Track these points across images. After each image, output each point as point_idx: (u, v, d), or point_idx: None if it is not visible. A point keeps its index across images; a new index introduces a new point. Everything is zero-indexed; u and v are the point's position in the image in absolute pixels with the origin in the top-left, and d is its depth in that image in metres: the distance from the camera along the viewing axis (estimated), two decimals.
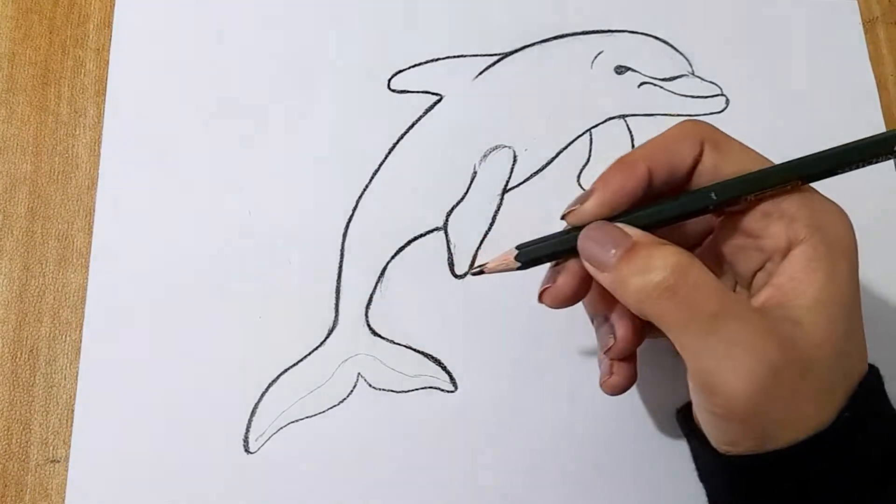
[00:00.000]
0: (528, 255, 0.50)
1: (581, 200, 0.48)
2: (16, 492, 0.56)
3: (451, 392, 0.59)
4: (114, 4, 0.66)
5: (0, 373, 0.58)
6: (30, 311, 0.59)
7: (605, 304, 0.51)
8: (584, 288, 0.50)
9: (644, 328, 0.51)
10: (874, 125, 0.66)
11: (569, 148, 0.64)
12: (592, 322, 0.54)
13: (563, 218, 0.49)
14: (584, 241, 0.47)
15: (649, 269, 0.43)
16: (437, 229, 0.62)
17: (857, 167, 0.47)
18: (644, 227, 0.46)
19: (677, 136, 0.48)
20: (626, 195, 0.46)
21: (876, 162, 0.47)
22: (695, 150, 0.47)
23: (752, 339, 0.42)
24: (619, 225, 0.46)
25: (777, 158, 0.64)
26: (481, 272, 0.52)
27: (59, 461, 0.56)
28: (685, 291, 0.43)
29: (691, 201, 0.47)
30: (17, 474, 0.56)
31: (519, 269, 0.50)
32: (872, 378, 0.46)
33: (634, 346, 0.51)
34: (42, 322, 0.59)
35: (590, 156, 0.64)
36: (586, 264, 0.47)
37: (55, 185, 0.62)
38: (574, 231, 0.48)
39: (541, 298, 0.50)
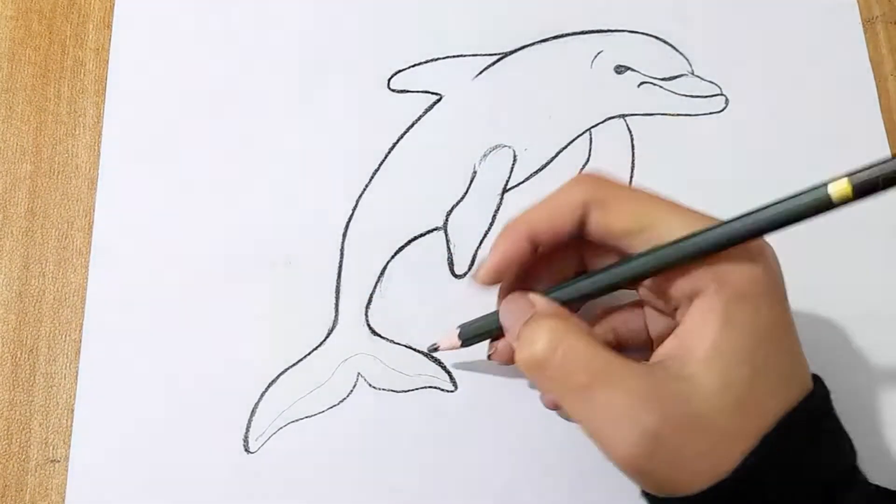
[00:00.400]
0: (468, 335, 0.54)
1: (480, 271, 0.50)
2: (16, 492, 0.56)
3: (452, 392, 0.59)
4: (114, 4, 0.66)
5: (0, 373, 0.58)
6: (30, 311, 0.59)
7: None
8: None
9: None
10: (873, 125, 0.66)
11: (569, 147, 0.64)
12: None
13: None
14: (502, 311, 0.51)
15: (531, 342, 0.45)
16: (436, 229, 0.62)
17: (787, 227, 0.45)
18: (568, 300, 0.49)
19: (559, 201, 0.49)
20: (510, 260, 0.49)
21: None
22: (575, 214, 0.47)
23: (627, 406, 0.42)
24: (531, 296, 0.49)
25: (774, 160, 0.65)
26: (436, 349, 0.57)
27: (59, 461, 0.56)
28: (555, 364, 0.44)
29: (604, 278, 0.48)
30: (17, 474, 0.56)
31: (463, 346, 0.55)
32: (803, 409, 0.45)
33: None
34: (42, 322, 0.59)
35: (589, 155, 0.64)
36: (507, 337, 0.50)
37: (55, 185, 0.62)
38: None
39: (489, 358, 0.54)
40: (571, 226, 0.48)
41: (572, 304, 0.49)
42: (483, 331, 0.54)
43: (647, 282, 0.48)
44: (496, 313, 0.52)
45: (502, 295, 0.52)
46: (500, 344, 0.53)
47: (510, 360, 0.52)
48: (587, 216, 0.47)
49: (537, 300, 0.48)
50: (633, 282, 0.48)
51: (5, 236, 0.60)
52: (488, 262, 0.49)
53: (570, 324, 0.45)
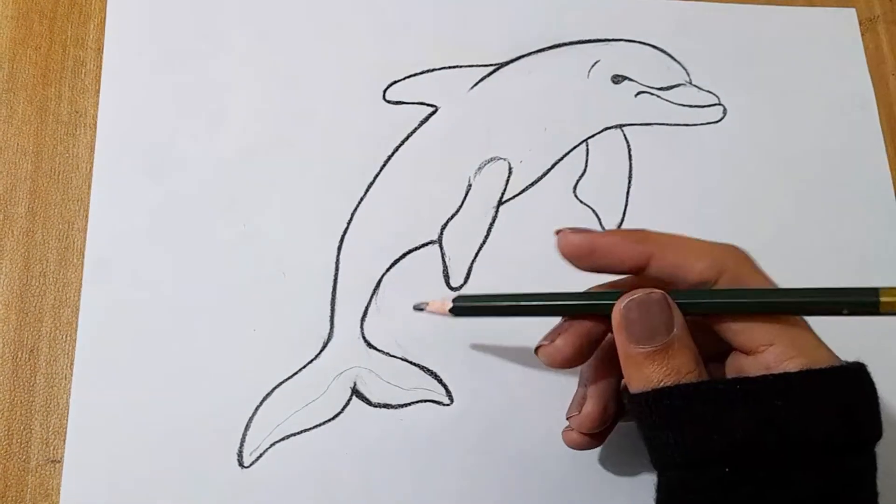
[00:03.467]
0: (462, 307, 0.52)
1: (551, 337, 0.50)
2: (16, 492, 0.56)
3: (448, 405, 0.59)
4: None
5: (0, 373, 0.58)
6: (30, 311, 0.59)
7: (593, 374, 0.53)
8: (581, 356, 0.50)
9: (616, 414, 0.53)
10: (872, 133, 0.66)
11: (565, 159, 0.64)
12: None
13: (536, 352, 0.51)
14: (636, 306, 0.47)
15: (670, 373, 0.45)
16: (432, 242, 0.62)
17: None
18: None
19: (701, 249, 0.49)
20: (615, 256, 0.48)
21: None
22: (707, 273, 0.47)
23: None
24: (674, 309, 0.46)
25: (773, 169, 0.65)
26: (421, 310, 0.54)
27: (59, 461, 0.56)
28: None
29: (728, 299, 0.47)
30: (18, 474, 0.57)
31: (451, 314, 0.52)
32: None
33: (597, 427, 0.52)
34: (42, 322, 0.59)
35: (586, 166, 0.64)
36: (619, 331, 0.47)
37: (55, 185, 0.62)
38: (521, 296, 0.51)
39: (536, 352, 0.51)
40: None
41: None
42: (480, 307, 0.52)
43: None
44: (499, 299, 0.51)
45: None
46: (560, 341, 0.50)
47: (557, 363, 0.50)
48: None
49: (679, 318, 0.46)
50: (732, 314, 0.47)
51: (5, 236, 0.60)
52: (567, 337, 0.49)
53: (702, 370, 0.46)
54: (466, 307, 0.52)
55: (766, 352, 0.45)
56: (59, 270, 0.60)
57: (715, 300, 0.46)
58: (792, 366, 0.44)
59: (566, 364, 0.49)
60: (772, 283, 0.48)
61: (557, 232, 0.49)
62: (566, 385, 0.58)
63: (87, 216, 0.61)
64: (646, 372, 0.45)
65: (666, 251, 0.48)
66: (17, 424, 0.57)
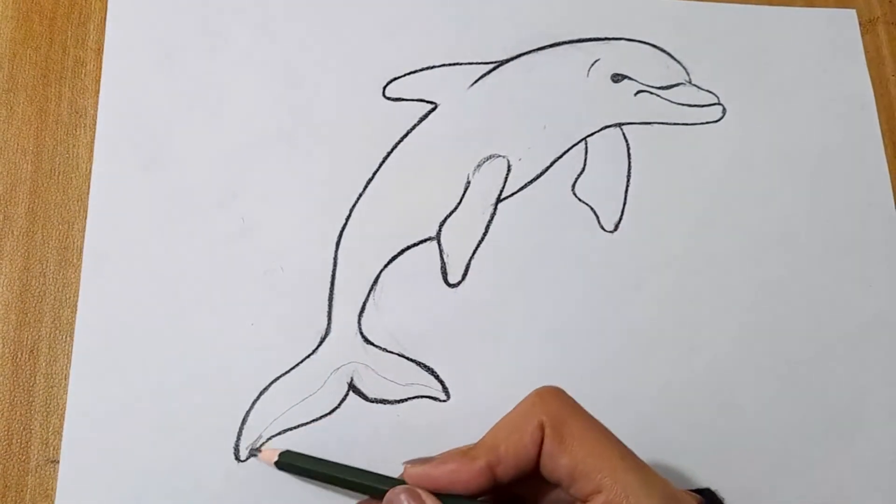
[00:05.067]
0: (287, 463, 0.53)
1: (417, 462, 0.49)
2: (16, 492, 0.56)
3: (444, 401, 0.59)
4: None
5: (0, 373, 0.58)
6: (30, 311, 0.59)
7: None
8: None
9: None
10: (871, 133, 0.66)
11: (564, 157, 0.64)
12: None
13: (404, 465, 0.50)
14: (391, 499, 0.48)
15: None
16: (430, 238, 0.62)
17: None
18: None
19: (519, 421, 0.48)
20: (459, 484, 0.47)
21: None
22: (537, 436, 0.47)
23: None
24: (427, 498, 0.47)
25: (772, 169, 0.65)
26: (255, 455, 0.56)
27: (59, 462, 0.56)
28: None
29: None
30: (18, 474, 0.56)
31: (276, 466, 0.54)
32: None
33: None
34: (42, 322, 0.59)
35: (585, 165, 0.64)
36: None
37: (55, 185, 0.62)
38: (351, 471, 0.52)
39: None
40: (535, 452, 0.47)
41: None
42: (307, 471, 0.54)
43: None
44: (330, 466, 0.53)
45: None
46: None
47: None
48: (542, 443, 0.47)
49: None
50: None
51: (5, 236, 0.60)
52: (430, 468, 0.48)
53: None
54: (290, 463, 0.54)
55: (595, 499, 0.45)
56: (59, 271, 0.60)
57: None
58: None
59: None
60: (592, 419, 0.48)
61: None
62: (561, 383, 0.58)
63: (87, 216, 0.61)
64: None
65: (497, 449, 0.48)
66: (16, 424, 0.57)
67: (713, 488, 0.52)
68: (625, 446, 0.46)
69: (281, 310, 0.60)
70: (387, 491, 0.48)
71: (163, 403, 0.57)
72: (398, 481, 0.48)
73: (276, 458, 0.53)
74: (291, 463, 0.53)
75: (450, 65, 0.66)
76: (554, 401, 0.48)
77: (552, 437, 0.46)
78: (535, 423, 0.46)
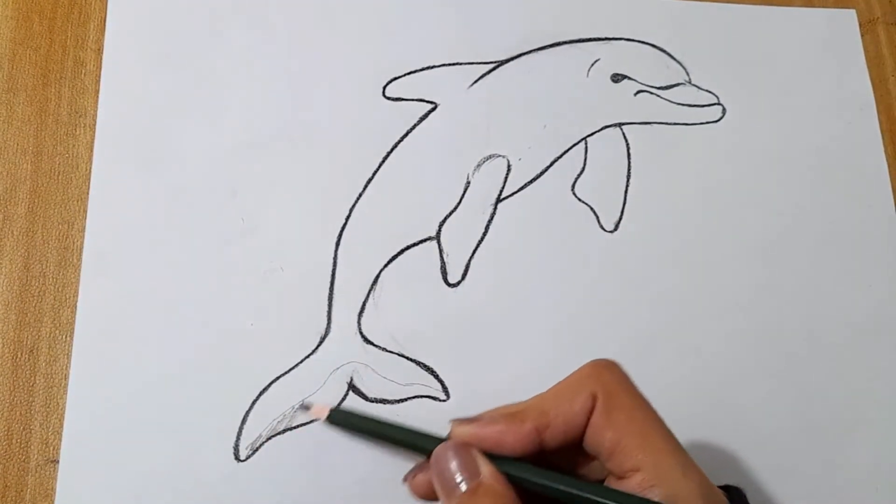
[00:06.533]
0: (339, 419, 0.51)
1: (465, 422, 0.47)
2: (16, 492, 0.56)
3: (444, 401, 0.59)
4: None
5: (0, 373, 0.58)
6: (30, 311, 0.59)
7: None
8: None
9: None
10: (871, 133, 0.66)
11: (564, 157, 0.64)
12: None
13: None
14: (440, 456, 0.46)
15: None
16: (430, 238, 0.62)
17: None
18: (517, 481, 0.45)
19: (571, 390, 0.47)
20: (505, 446, 0.46)
21: None
22: (587, 406, 0.46)
23: None
24: (480, 460, 0.45)
25: (772, 169, 0.65)
26: (307, 408, 0.52)
27: (59, 461, 0.56)
28: None
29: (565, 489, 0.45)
30: (18, 474, 0.56)
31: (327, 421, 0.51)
32: None
33: (429, 496, 0.49)
34: (42, 322, 0.59)
35: (585, 165, 0.64)
36: (433, 478, 0.46)
37: (55, 185, 0.62)
38: (396, 427, 0.49)
39: (404, 480, 0.50)
40: (584, 420, 0.46)
41: (518, 486, 0.46)
42: (356, 427, 0.51)
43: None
44: (378, 423, 0.50)
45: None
46: (422, 478, 0.48)
47: (419, 496, 0.48)
48: (593, 411, 0.46)
49: (485, 469, 0.45)
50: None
51: (5, 236, 0.60)
52: (477, 428, 0.46)
53: None
54: (341, 420, 0.51)
55: (632, 477, 0.44)
56: (59, 271, 0.60)
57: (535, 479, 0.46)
58: (653, 495, 0.43)
59: (429, 498, 0.48)
60: (642, 397, 0.47)
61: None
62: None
63: (86, 216, 0.61)
64: None
65: (547, 414, 0.46)
66: (16, 424, 0.57)
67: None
68: (669, 431, 0.46)
69: (281, 310, 0.60)
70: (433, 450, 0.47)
71: (162, 403, 0.57)
72: (445, 441, 0.47)
73: (326, 415, 0.52)
74: (341, 420, 0.52)
75: (450, 65, 0.66)
76: (608, 373, 0.47)
77: (602, 409, 0.46)
78: (587, 393, 0.46)
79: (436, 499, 0.47)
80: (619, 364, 0.48)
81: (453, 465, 0.45)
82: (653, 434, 0.45)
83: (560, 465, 0.48)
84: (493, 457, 0.45)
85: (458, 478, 0.44)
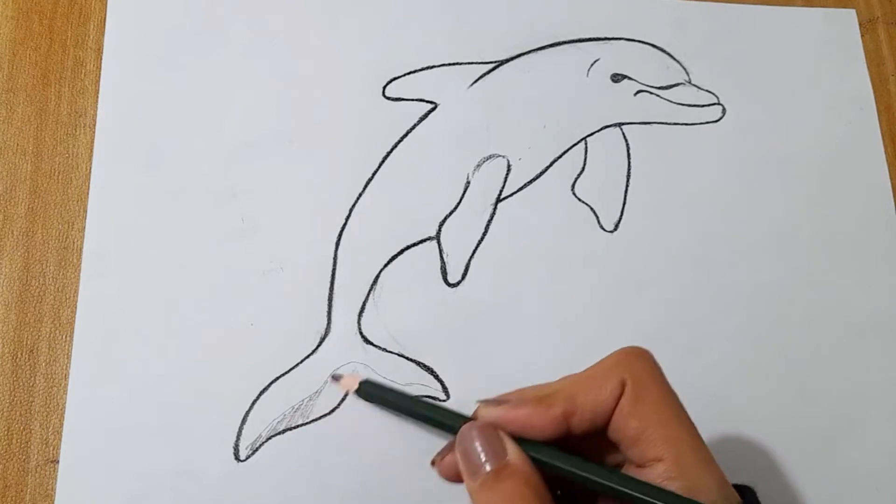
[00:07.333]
0: (367, 391, 0.52)
1: (491, 403, 0.47)
2: (16, 492, 0.56)
3: (444, 401, 0.59)
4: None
5: (0, 373, 0.58)
6: (30, 311, 0.59)
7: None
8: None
9: None
10: (871, 133, 0.66)
11: (564, 157, 0.64)
12: None
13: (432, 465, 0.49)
14: (464, 434, 0.46)
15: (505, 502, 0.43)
16: (430, 238, 0.62)
17: None
18: (542, 465, 0.45)
19: (602, 376, 0.46)
20: (532, 429, 0.46)
21: None
22: (616, 393, 0.45)
23: None
24: (507, 440, 0.45)
25: (772, 169, 0.65)
26: (337, 379, 0.55)
27: (59, 461, 0.56)
28: None
29: (588, 475, 0.45)
30: (18, 474, 0.56)
31: (357, 394, 0.52)
32: None
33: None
34: (42, 322, 0.59)
35: (585, 164, 0.64)
36: (457, 457, 0.46)
37: (55, 185, 0.62)
38: (423, 401, 0.50)
39: (433, 464, 0.50)
40: (612, 405, 0.46)
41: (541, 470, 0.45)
42: (384, 401, 0.52)
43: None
44: (408, 399, 0.51)
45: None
46: (451, 459, 0.48)
47: (447, 478, 0.48)
48: (621, 397, 0.46)
49: (512, 450, 0.45)
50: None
51: (5, 236, 0.60)
52: (506, 410, 0.46)
53: (540, 496, 0.43)
54: (370, 392, 0.52)
55: (653, 467, 0.44)
56: (59, 271, 0.60)
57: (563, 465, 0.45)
58: (673, 487, 0.43)
59: (458, 480, 0.48)
60: (670, 389, 0.47)
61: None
62: None
63: (86, 216, 0.61)
64: (480, 501, 0.44)
65: (575, 399, 0.46)
66: (16, 424, 0.57)
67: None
68: (694, 426, 0.46)
69: (280, 310, 0.60)
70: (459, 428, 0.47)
71: (163, 403, 0.57)
72: (472, 420, 0.47)
73: (355, 387, 0.52)
74: (370, 392, 0.52)
75: (450, 65, 0.66)
76: (640, 362, 0.47)
77: (629, 397, 0.45)
78: (616, 381, 0.46)
79: (460, 480, 0.47)
80: (650, 353, 0.48)
81: (478, 444, 0.45)
82: (678, 427, 0.45)
83: (578, 449, 0.48)
84: (517, 439, 0.45)
85: (483, 458, 0.44)
